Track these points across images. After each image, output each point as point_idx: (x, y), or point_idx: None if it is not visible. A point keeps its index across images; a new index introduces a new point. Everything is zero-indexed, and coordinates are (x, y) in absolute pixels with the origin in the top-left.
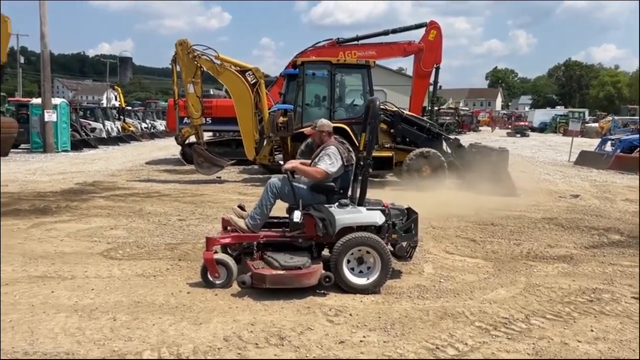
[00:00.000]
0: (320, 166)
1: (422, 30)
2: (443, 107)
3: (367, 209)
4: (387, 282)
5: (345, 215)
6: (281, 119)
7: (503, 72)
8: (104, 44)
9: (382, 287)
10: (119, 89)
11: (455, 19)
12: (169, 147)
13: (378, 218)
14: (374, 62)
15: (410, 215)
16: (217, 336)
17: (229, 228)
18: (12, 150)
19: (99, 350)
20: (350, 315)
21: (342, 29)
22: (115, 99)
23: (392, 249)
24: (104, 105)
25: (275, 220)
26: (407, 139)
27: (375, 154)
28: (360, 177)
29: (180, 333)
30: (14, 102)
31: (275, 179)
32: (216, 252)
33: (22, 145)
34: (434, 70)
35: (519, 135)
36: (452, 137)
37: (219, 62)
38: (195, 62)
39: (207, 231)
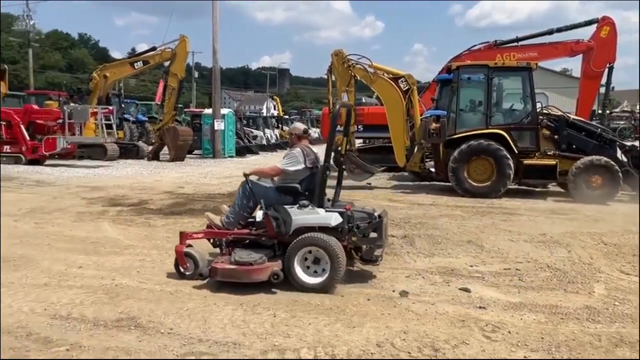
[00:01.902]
0: (277, 164)
1: (592, 28)
2: (616, 110)
3: (327, 211)
4: (551, 300)
5: (300, 216)
6: (434, 125)
7: None
8: (266, 57)
9: (545, 306)
10: (278, 98)
11: (632, 13)
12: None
13: (333, 220)
14: (536, 64)
15: (378, 219)
16: (370, 341)
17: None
18: (187, 155)
19: (261, 343)
20: (509, 332)
21: (500, 31)
22: (274, 108)
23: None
24: (264, 114)
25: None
26: (574, 146)
27: (536, 161)
28: (322, 180)
29: (335, 334)
30: (189, 113)
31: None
32: (189, 245)
33: (195, 151)
34: (606, 70)
35: None
36: (628, 144)
37: (372, 70)
38: (350, 71)
39: None
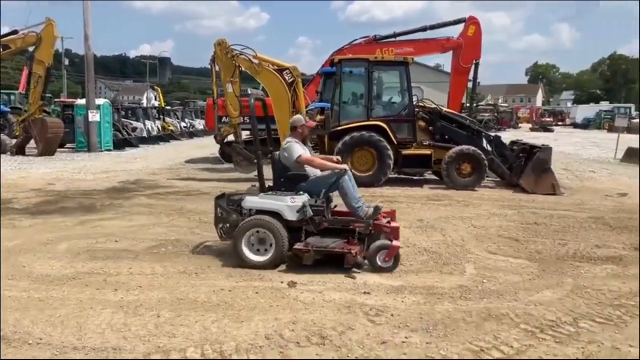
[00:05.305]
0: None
1: (461, 26)
2: (481, 103)
3: None
4: (428, 282)
5: None
6: (318, 117)
7: (544, 67)
8: (145, 45)
9: (423, 288)
10: (159, 88)
11: (494, 14)
12: (208, 146)
13: None
14: (412, 58)
15: None
16: (259, 334)
17: None
18: (58, 149)
19: (144, 346)
20: (392, 315)
21: (379, 26)
22: (155, 99)
23: None
24: (144, 105)
25: None
26: (446, 137)
27: (413, 151)
28: None
29: (223, 330)
30: (59, 103)
31: None
32: None
33: (68, 145)
34: (473, 66)
35: (542, 130)
36: (492, 134)
37: (256, 61)
38: (234, 62)
39: None
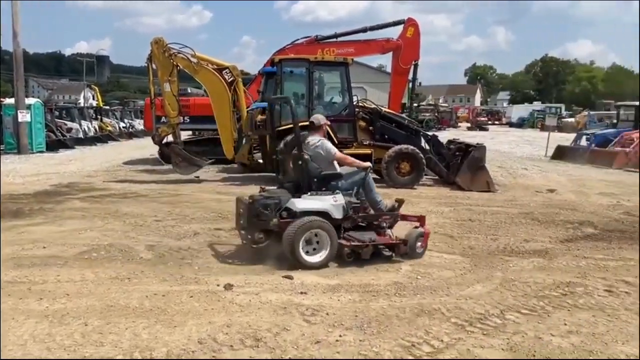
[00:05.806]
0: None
1: (401, 28)
2: (423, 103)
3: None
4: (365, 279)
5: None
6: (260, 117)
7: (482, 69)
8: (82, 42)
9: (359, 286)
10: (97, 88)
11: (436, 16)
12: (148, 147)
13: None
14: (352, 59)
15: None
16: (192, 339)
17: None
18: None
19: (69, 356)
20: (327, 314)
21: (323, 26)
22: (93, 98)
23: None
24: (81, 104)
25: None
26: (386, 136)
27: (354, 151)
28: None
29: (154, 337)
30: None
31: None
32: None
33: None
34: (412, 67)
35: (478, 129)
36: (430, 133)
37: (195, 60)
38: (172, 61)
39: (184, 232)
